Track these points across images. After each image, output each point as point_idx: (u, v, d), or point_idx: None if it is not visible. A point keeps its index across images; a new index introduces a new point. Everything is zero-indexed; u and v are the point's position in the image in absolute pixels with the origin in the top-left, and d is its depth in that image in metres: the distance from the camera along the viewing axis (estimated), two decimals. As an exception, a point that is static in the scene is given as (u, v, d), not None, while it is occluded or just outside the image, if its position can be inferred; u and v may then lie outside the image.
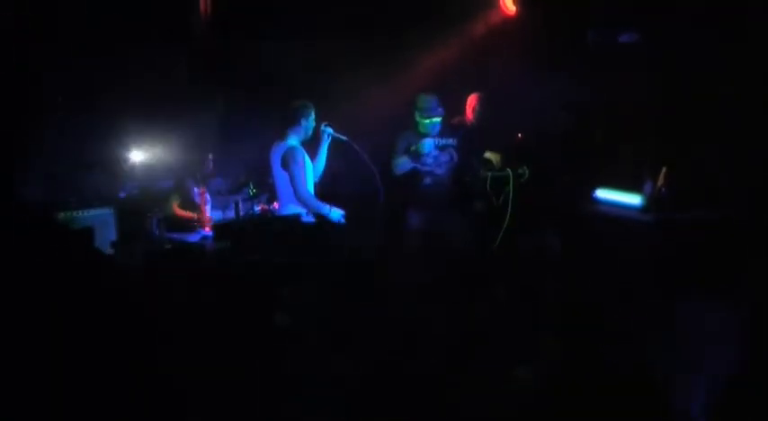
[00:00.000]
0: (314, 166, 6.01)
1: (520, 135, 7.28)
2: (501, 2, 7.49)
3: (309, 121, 5.95)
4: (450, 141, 6.52)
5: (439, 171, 6.43)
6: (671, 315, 4.14)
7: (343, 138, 5.99)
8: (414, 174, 6.41)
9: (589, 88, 6.66)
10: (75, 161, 6.56)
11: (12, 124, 6.23)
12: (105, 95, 6.85)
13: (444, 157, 6.47)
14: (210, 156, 6.55)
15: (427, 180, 6.41)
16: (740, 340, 3.70)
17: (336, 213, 5.79)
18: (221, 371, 3.88)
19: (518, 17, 7.44)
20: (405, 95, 7.20)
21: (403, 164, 6.35)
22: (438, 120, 6.39)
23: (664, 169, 5.55)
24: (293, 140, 5.89)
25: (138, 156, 6.71)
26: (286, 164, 5.78)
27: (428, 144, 6.33)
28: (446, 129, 6.55)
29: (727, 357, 3.55)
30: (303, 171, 5.79)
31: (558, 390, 3.45)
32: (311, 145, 6.09)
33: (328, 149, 6.09)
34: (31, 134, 6.38)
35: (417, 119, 6.41)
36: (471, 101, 6.84)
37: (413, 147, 6.31)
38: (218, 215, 6.54)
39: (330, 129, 6.01)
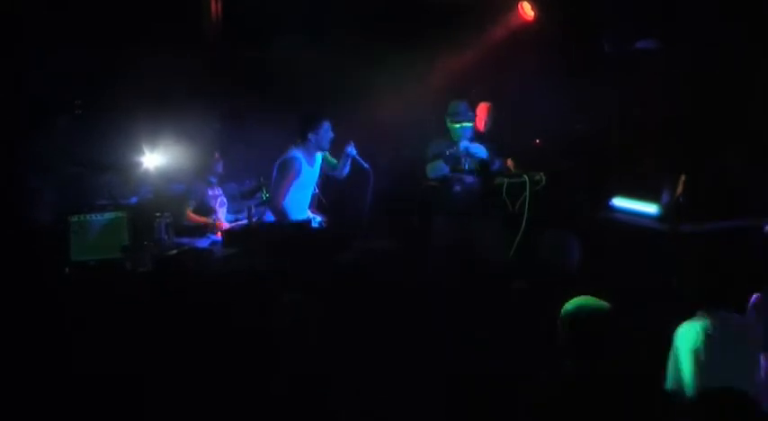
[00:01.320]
0: (329, 174, 6.15)
1: (537, 141, 7.22)
2: (519, 7, 7.42)
3: (320, 134, 5.95)
4: (482, 149, 6.44)
5: (470, 178, 6.36)
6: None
7: (365, 165, 6.05)
8: (443, 181, 6.35)
9: (606, 95, 6.59)
10: (87, 164, 6.55)
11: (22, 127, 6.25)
12: (118, 98, 6.85)
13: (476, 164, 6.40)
14: (217, 155, 6.50)
15: (457, 186, 6.34)
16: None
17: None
18: (220, 378, 3.84)
19: (536, 22, 7.36)
20: (420, 101, 7.17)
21: (439, 167, 6.29)
22: (469, 125, 6.33)
23: (682, 178, 5.46)
24: (295, 152, 5.92)
25: (151, 160, 6.68)
26: (277, 172, 5.87)
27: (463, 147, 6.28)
28: (478, 137, 6.48)
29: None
30: (287, 183, 5.87)
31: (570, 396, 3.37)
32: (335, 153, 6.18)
33: (350, 167, 6.16)
34: (43, 137, 6.38)
35: (448, 124, 6.36)
36: (481, 111, 6.78)
37: (449, 151, 6.25)
38: (232, 219, 6.51)
39: (354, 152, 6.06)
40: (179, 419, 3.92)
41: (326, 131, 5.96)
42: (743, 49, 5.64)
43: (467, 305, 5.64)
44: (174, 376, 4.05)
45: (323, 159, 6.18)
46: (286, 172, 5.86)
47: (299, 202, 6.03)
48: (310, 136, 5.92)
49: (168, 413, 3.92)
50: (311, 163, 6.04)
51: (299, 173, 5.89)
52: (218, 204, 6.42)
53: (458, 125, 6.29)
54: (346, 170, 6.22)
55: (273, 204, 5.90)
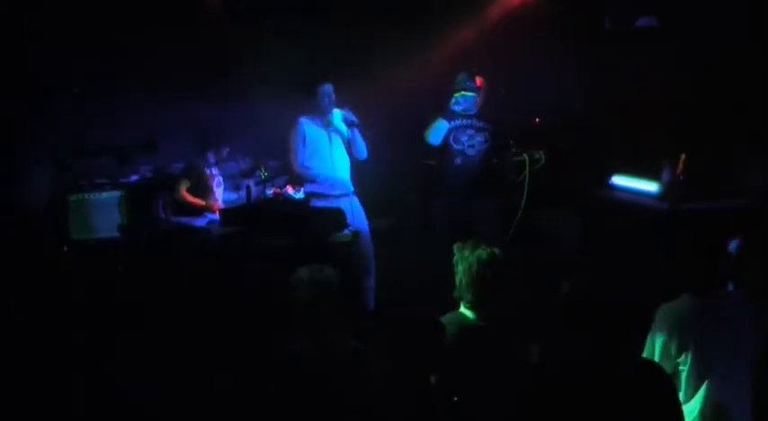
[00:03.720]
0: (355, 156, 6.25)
1: (537, 120, 7.19)
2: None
3: (319, 98, 6.04)
4: (488, 125, 6.40)
5: (471, 152, 6.32)
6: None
7: (352, 118, 6.01)
8: (445, 153, 6.31)
9: (607, 73, 6.55)
10: (86, 146, 6.53)
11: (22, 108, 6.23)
12: (117, 81, 6.83)
13: (479, 138, 6.36)
14: (228, 150, 6.51)
15: (458, 159, 6.30)
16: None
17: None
18: (218, 357, 3.85)
19: (536, 1, 7.31)
20: (419, 80, 7.14)
21: (438, 126, 6.18)
22: (469, 94, 6.25)
23: (682, 157, 5.45)
24: (299, 117, 6.10)
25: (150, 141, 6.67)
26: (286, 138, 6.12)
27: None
28: (484, 113, 6.43)
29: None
30: (292, 145, 6.10)
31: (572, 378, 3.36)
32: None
33: (350, 131, 6.14)
34: (43, 118, 6.35)
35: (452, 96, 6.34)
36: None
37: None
38: (232, 197, 6.51)
39: (341, 114, 6.04)
40: (178, 398, 3.93)
41: (323, 95, 6.04)
42: (744, 28, 5.60)
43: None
44: (172, 353, 4.06)
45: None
46: (288, 135, 6.12)
47: (323, 162, 6.12)
48: (312, 101, 6.06)
49: (166, 393, 3.94)
50: (320, 124, 6.12)
51: (302, 134, 6.09)
52: (215, 184, 6.41)
53: (458, 94, 6.25)
54: (358, 142, 6.19)
55: (289, 167, 6.20)
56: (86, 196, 6.00)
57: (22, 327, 4.63)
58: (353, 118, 6.02)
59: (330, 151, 6.16)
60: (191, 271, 4.24)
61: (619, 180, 6.09)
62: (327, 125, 6.14)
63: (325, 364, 3.15)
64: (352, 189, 6.27)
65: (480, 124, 6.32)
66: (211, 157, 6.44)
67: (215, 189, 6.39)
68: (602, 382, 2.72)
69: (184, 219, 5.83)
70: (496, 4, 7.54)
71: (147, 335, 4.27)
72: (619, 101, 6.60)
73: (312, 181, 6.10)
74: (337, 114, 6.03)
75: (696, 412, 3.27)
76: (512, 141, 6.42)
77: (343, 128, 6.15)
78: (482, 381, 3.28)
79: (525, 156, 6.30)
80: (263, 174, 6.11)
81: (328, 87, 6.06)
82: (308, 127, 6.11)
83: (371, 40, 7.34)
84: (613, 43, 6.65)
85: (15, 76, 6.48)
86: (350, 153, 6.28)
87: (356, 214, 6.17)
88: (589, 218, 6.18)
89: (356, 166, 6.35)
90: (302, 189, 6.15)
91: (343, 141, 6.24)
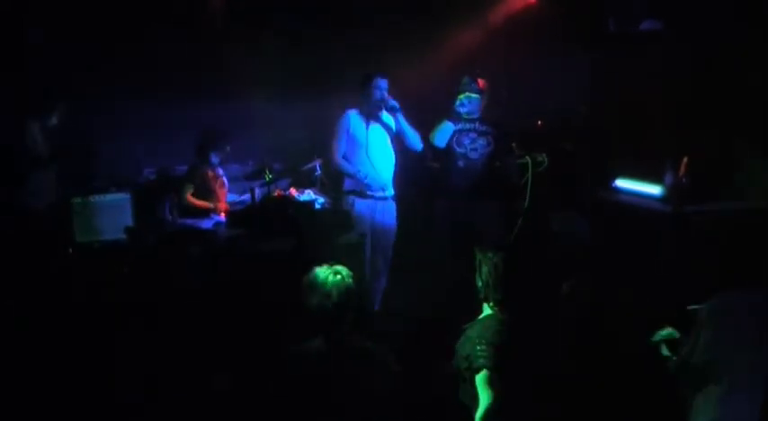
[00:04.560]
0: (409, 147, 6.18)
1: (540, 122, 7.21)
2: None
3: (367, 91, 5.98)
4: (491, 129, 6.42)
5: (474, 155, 6.34)
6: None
7: (393, 103, 5.98)
8: (448, 156, 6.33)
9: (610, 76, 6.56)
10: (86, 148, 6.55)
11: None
12: (119, 83, 6.84)
13: (481, 142, 6.38)
14: (228, 149, 6.49)
15: (460, 162, 6.33)
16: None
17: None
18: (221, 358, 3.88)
19: (539, 3, 7.34)
20: (422, 83, 7.14)
21: (444, 128, 6.23)
22: (474, 96, 6.27)
23: (685, 159, 5.46)
24: (349, 110, 6.05)
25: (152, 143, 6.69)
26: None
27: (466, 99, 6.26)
28: (487, 116, 6.45)
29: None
30: (335, 138, 5.99)
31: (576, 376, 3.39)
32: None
33: (395, 120, 6.09)
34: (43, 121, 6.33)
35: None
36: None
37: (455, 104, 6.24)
38: (235, 198, 6.51)
39: (385, 98, 5.98)
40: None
41: (373, 87, 5.96)
42: (747, 32, 5.61)
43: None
44: (178, 352, 4.08)
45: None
46: (334, 127, 6.03)
47: (365, 159, 6.01)
48: (362, 94, 6.01)
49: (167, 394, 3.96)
50: (367, 121, 6.04)
51: (347, 127, 5.99)
52: (218, 186, 6.40)
53: (462, 95, 6.27)
54: (407, 131, 6.12)
55: (328, 159, 6.19)
56: (90, 199, 5.99)
57: (25, 329, 4.65)
58: (394, 102, 5.95)
59: (374, 149, 6.05)
60: (197, 272, 4.25)
61: (622, 183, 6.10)
62: (376, 120, 6.06)
63: (339, 363, 3.18)
64: (392, 192, 6.18)
65: (483, 128, 6.34)
66: (214, 158, 6.42)
67: (218, 190, 6.38)
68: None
69: (190, 221, 5.84)
70: (499, 7, 7.56)
71: (152, 336, 4.29)
72: (621, 102, 6.60)
73: (351, 176, 6.03)
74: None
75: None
76: (514, 144, 6.44)
77: (390, 120, 6.10)
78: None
79: (528, 158, 6.32)
80: (268, 176, 6.12)
81: (383, 81, 5.98)
82: (355, 121, 6.02)
83: (372, 41, 7.35)
84: (616, 45, 6.66)
85: (16, 78, 6.48)
86: (398, 151, 6.19)
87: (387, 218, 6.13)
88: (593, 220, 6.19)
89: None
90: (306, 191, 6.17)
91: (391, 139, 6.16)
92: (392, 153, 6.18)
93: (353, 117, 6.02)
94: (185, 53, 7.03)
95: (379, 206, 6.08)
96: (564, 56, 6.78)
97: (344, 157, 6.01)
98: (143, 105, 6.83)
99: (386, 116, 6.08)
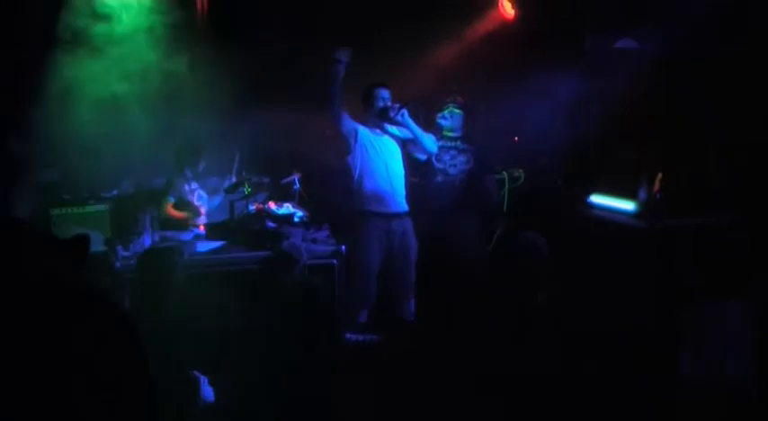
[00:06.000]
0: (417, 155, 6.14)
1: (516, 138, 7.30)
2: (500, 5, 7.47)
3: (370, 103, 5.96)
4: (471, 147, 6.49)
5: (453, 171, 6.40)
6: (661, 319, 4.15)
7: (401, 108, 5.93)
8: (427, 171, 6.38)
9: (586, 92, 6.65)
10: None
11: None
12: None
13: (461, 159, 6.44)
14: (203, 163, 6.48)
15: (439, 178, 6.39)
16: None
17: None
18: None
19: (516, 21, 7.42)
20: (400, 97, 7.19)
21: (430, 140, 6.15)
22: (457, 112, 6.37)
23: (659, 175, 5.55)
24: (359, 125, 5.98)
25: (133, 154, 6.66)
26: None
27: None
28: (470, 134, 6.51)
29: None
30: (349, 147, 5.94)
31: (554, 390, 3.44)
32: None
33: (407, 124, 5.97)
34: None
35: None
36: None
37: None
38: (214, 215, 6.52)
39: (389, 108, 5.93)
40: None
41: (375, 99, 5.93)
42: (720, 49, 5.72)
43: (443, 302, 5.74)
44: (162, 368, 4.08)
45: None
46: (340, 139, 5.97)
47: (372, 173, 5.94)
48: (365, 109, 5.97)
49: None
50: (377, 133, 6.00)
51: (355, 140, 5.90)
52: (195, 198, 6.40)
53: (446, 109, 6.35)
54: (418, 134, 6.00)
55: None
56: (69, 210, 5.97)
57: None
58: (402, 108, 5.86)
59: (386, 162, 5.97)
60: (180, 284, 4.27)
61: (596, 198, 6.17)
62: (384, 132, 6.01)
63: None
64: (406, 208, 6.07)
65: (464, 146, 6.43)
66: (188, 173, 6.40)
67: (196, 202, 6.38)
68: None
69: (170, 233, 5.84)
70: (476, 24, 7.62)
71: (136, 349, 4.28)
72: (597, 120, 6.69)
73: (366, 197, 5.93)
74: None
75: None
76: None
77: (397, 132, 6.03)
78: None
79: (505, 174, 6.41)
80: (247, 189, 6.13)
81: (384, 91, 5.95)
82: (364, 135, 5.95)
83: (355, 56, 7.36)
84: (593, 61, 6.75)
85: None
86: (407, 162, 6.12)
87: (406, 239, 6.00)
88: (567, 235, 6.26)
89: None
90: (285, 204, 6.19)
91: (401, 151, 6.07)
92: (402, 165, 6.11)
93: (362, 129, 5.96)
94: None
95: (397, 226, 5.95)
96: (540, 72, 6.86)
97: (360, 174, 5.92)
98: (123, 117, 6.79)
99: (392, 128, 6.05)
